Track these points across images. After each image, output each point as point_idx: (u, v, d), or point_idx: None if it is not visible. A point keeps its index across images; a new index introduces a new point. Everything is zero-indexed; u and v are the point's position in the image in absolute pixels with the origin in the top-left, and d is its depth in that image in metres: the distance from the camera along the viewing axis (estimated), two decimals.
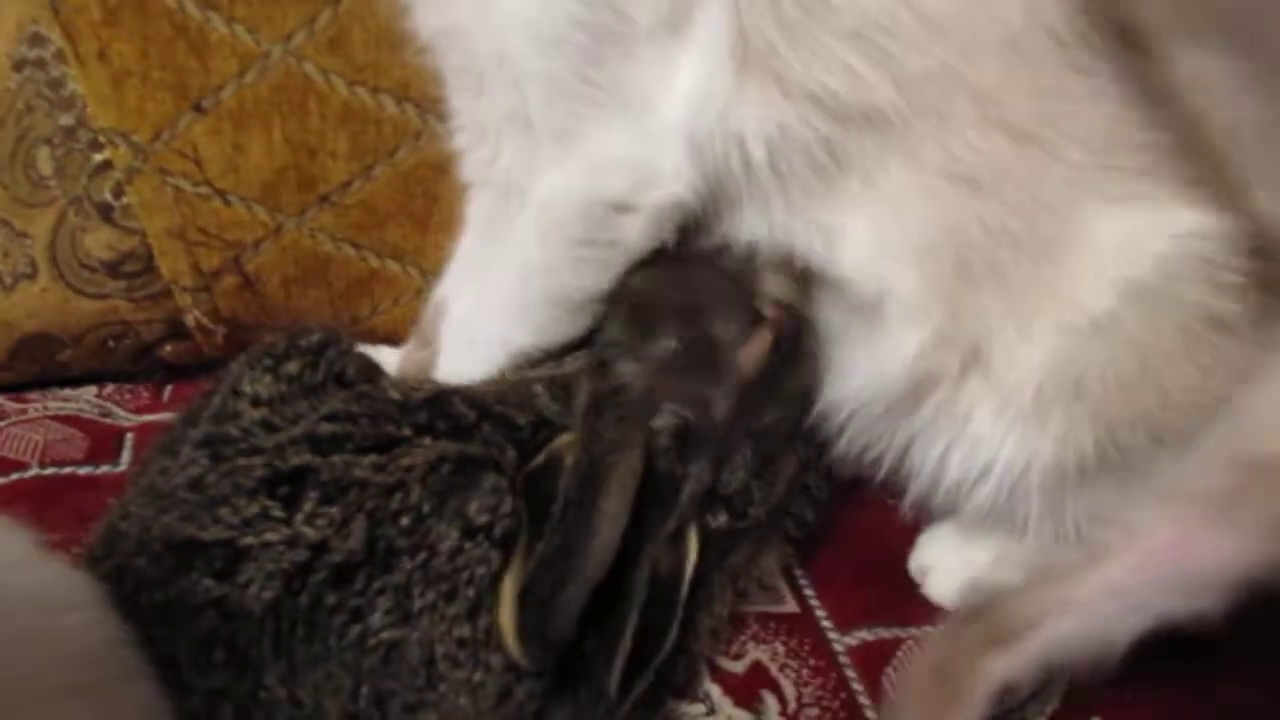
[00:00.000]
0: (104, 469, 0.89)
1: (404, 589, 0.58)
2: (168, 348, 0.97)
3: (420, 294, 0.92)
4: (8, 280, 0.92)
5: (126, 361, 0.98)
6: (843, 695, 0.73)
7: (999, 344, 0.72)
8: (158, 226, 0.89)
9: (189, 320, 0.94)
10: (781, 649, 0.77)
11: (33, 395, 0.99)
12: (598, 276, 0.72)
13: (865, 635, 0.78)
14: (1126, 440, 0.71)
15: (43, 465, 0.89)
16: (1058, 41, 0.67)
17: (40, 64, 0.88)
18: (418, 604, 0.57)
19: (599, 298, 0.73)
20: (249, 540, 0.57)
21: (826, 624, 0.79)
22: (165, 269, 0.91)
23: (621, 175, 0.69)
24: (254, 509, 0.58)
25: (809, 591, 0.81)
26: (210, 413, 0.64)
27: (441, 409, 0.64)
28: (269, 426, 0.62)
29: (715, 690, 0.73)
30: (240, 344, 0.98)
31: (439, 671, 0.58)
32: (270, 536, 0.58)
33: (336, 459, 0.60)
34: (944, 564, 0.81)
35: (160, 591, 0.56)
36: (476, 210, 0.76)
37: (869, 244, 0.71)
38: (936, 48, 0.67)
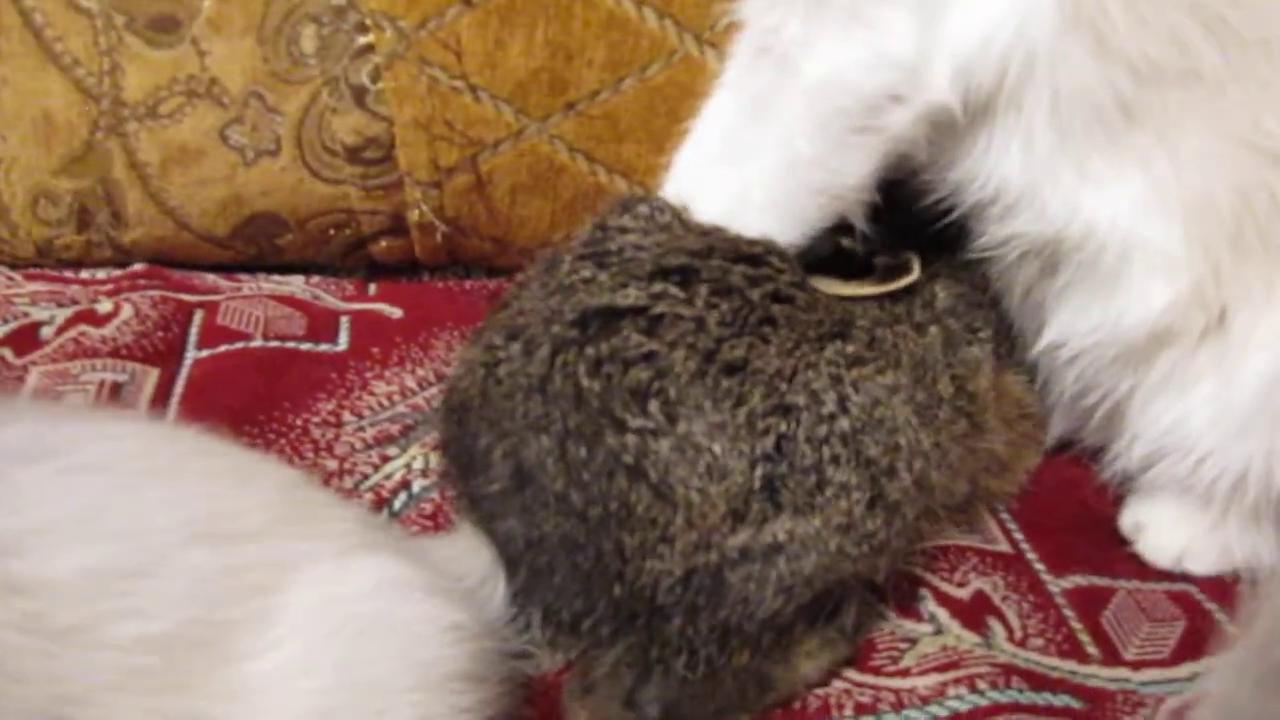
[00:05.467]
0: (324, 347, 0.91)
1: (774, 382, 0.64)
2: (383, 243, 0.99)
3: None
4: (249, 155, 0.94)
5: (338, 254, 1.00)
6: (1064, 630, 0.74)
7: (1243, 316, 0.73)
8: (406, 115, 0.91)
9: (412, 216, 0.96)
10: (1001, 582, 0.77)
11: (243, 276, 1.01)
12: (861, 165, 0.74)
13: (1079, 580, 0.78)
14: None
15: (266, 338, 0.91)
16: None
17: None
18: (789, 399, 0.64)
19: (858, 188, 0.75)
20: (662, 309, 0.64)
21: (1039, 566, 0.79)
22: (403, 159, 0.93)
23: (896, 71, 0.71)
24: (656, 287, 0.65)
25: (1019, 535, 0.82)
26: (579, 242, 0.70)
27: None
28: (640, 248, 0.68)
29: (942, 612, 0.74)
30: (453, 249, 1.00)
31: (826, 476, 0.63)
32: (682, 311, 0.64)
33: (714, 262, 0.67)
34: (1159, 523, 0.81)
35: (592, 347, 0.63)
36: (748, 83, 0.77)
37: (1135, 196, 0.71)
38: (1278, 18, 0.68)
